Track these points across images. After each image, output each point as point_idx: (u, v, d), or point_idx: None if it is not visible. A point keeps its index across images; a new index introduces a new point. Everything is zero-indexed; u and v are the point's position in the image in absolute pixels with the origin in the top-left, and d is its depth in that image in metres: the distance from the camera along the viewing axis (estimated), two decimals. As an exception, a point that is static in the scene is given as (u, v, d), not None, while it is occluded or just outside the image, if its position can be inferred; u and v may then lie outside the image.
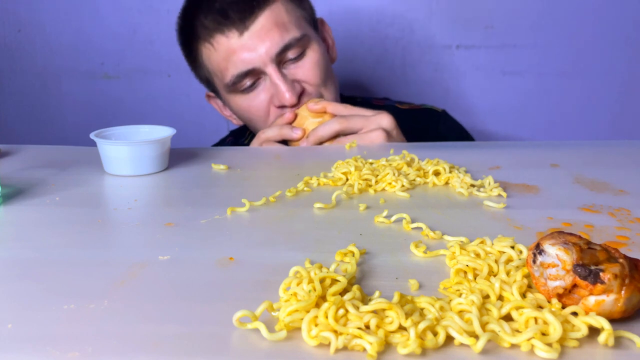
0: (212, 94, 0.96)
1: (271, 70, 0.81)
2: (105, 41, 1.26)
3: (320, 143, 0.77)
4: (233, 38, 0.81)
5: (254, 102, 0.85)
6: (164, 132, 0.66)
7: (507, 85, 1.25)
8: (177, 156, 0.70)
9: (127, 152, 0.62)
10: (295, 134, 0.77)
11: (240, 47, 0.80)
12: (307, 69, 0.84)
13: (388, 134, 0.75)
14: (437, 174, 0.60)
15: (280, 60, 0.82)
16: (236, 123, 0.99)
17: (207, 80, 0.92)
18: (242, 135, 1.03)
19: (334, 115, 0.78)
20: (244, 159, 0.71)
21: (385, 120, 0.76)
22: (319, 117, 0.79)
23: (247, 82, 0.83)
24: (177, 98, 1.29)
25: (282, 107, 0.84)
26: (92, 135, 0.63)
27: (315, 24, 0.91)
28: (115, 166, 0.63)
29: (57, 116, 1.32)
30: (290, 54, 0.82)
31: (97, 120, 1.29)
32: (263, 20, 0.81)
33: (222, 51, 0.82)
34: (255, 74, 0.83)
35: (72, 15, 1.25)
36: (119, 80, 1.29)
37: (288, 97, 0.81)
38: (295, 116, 0.79)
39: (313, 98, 0.84)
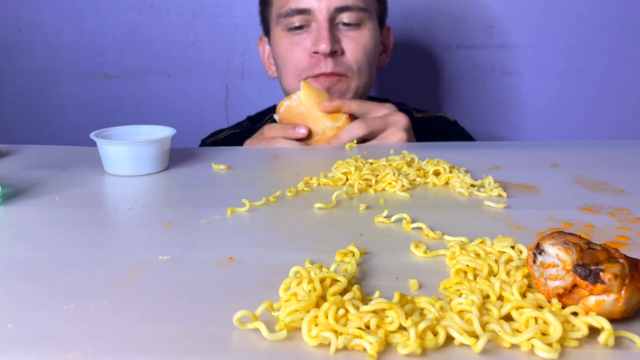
0: (264, 37, 0.99)
1: (322, 17, 0.84)
2: (105, 41, 1.26)
3: None
4: None
5: (294, 44, 0.87)
6: (164, 132, 0.66)
7: (507, 85, 1.24)
8: (177, 156, 0.70)
9: (127, 152, 0.62)
10: (299, 132, 0.77)
11: None
12: (354, 41, 0.87)
13: (406, 136, 0.77)
14: (437, 174, 0.60)
15: (334, 17, 0.85)
16: (271, 75, 1.01)
17: (266, 20, 0.95)
18: (259, 120, 1.04)
19: (350, 117, 0.78)
20: (244, 159, 0.71)
21: (401, 121, 0.77)
22: (335, 121, 0.78)
23: (297, 21, 0.86)
24: (177, 98, 1.29)
25: (315, 53, 0.85)
26: (92, 135, 0.63)
27: (382, 21, 0.95)
28: (115, 166, 0.63)
29: (57, 116, 1.32)
30: (346, 18, 0.85)
31: (97, 120, 1.29)
32: None
33: None
34: (307, 18, 0.85)
35: (72, 15, 1.25)
36: (119, 80, 1.29)
37: (324, 46, 0.83)
38: (310, 132, 0.78)
39: (342, 79, 0.86)
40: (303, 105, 0.78)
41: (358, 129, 0.76)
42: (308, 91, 0.79)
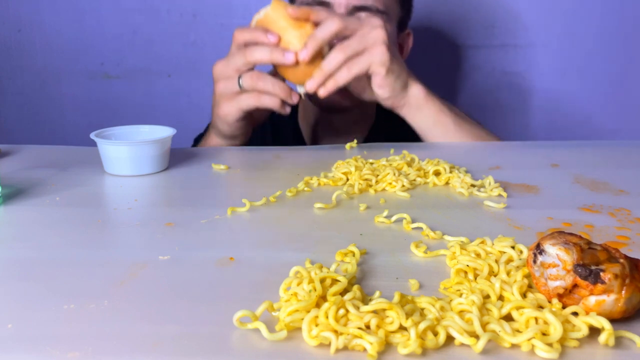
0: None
1: (340, 13, 0.82)
2: (105, 41, 1.26)
3: (319, 57, 0.72)
4: None
5: None
6: (164, 132, 0.66)
7: (507, 85, 1.24)
8: (177, 156, 0.70)
9: (127, 152, 0.62)
10: (288, 58, 0.71)
11: None
12: None
13: (388, 48, 0.73)
14: (437, 174, 0.60)
15: (351, 15, 0.84)
16: None
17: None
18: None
19: (315, 26, 0.73)
20: (244, 159, 0.71)
21: (377, 21, 0.75)
22: (300, 29, 0.73)
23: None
24: (177, 98, 1.29)
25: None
26: (92, 135, 0.63)
27: (402, 26, 0.95)
28: (115, 166, 0.63)
29: (57, 116, 1.32)
30: (363, 16, 0.84)
31: (97, 120, 1.29)
32: None
33: None
34: (325, 6, 0.84)
35: (72, 15, 1.25)
36: (119, 80, 1.29)
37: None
38: (280, 40, 0.73)
39: None
40: (270, 17, 0.74)
41: (333, 23, 0.71)
42: (276, 4, 0.75)
